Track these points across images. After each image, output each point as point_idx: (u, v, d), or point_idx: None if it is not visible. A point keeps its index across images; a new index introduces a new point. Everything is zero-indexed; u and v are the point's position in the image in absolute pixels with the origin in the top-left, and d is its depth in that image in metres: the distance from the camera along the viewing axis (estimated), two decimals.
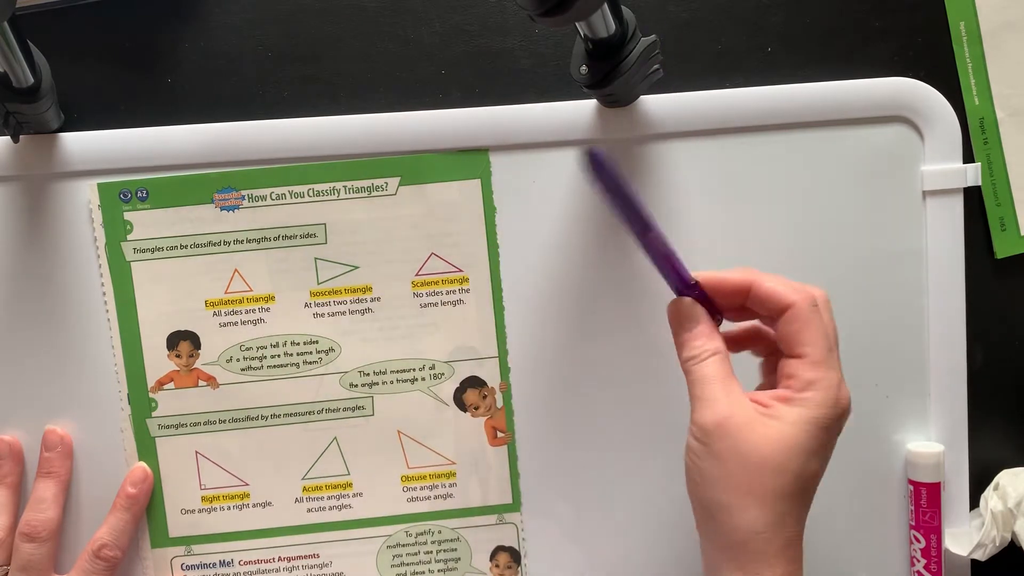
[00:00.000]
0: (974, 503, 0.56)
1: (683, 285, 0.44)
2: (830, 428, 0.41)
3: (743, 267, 0.44)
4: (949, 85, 0.54)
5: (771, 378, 0.46)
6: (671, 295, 0.54)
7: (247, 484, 0.54)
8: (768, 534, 0.40)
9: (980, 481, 0.56)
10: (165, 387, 0.53)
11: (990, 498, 0.54)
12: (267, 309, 0.53)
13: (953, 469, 0.55)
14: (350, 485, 0.54)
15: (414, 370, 0.54)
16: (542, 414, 0.54)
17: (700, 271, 0.45)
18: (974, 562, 0.55)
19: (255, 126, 0.52)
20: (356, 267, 0.53)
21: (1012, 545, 0.54)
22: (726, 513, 0.41)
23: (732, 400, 0.41)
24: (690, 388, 0.43)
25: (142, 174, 0.52)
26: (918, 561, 0.55)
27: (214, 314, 0.53)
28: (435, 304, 0.53)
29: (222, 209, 0.52)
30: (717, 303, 0.45)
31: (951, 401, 0.55)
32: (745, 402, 0.41)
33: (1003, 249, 0.55)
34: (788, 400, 0.41)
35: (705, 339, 0.43)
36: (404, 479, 0.54)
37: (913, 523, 0.55)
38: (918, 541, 0.55)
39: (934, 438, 0.55)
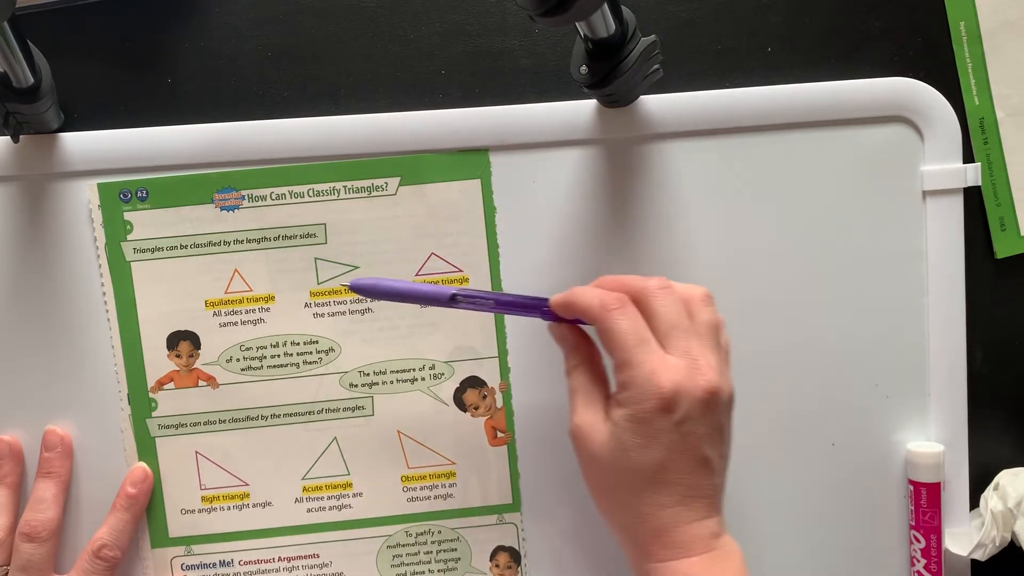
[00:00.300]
0: (974, 503, 0.56)
1: (539, 312, 0.48)
2: (649, 419, 0.42)
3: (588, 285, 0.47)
4: (949, 85, 0.54)
5: None
6: None
7: (247, 484, 0.54)
8: (631, 527, 0.44)
9: (980, 481, 0.56)
10: (165, 387, 0.53)
11: (990, 498, 0.54)
12: (267, 309, 0.53)
13: (953, 469, 0.55)
14: (350, 485, 0.54)
15: (414, 370, 0.54)
16: (542, 414, 0.54)
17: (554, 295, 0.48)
18: (974, 562, 0.55)
19: (255, 126, 0.52)
20: (356, 267, 0.53)
21: (1012, 545, 0.54)
22: (600, 511, 0.46)
23: (585, 409, 0.46)
24: None
25: (142, 174, 0.52)
26: (918, 561, 0.55)
27: (214, 314, 0.53)
28: None
29: (222, 209, 0.52)
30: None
31: (951, 401, 0.55)
32: (596, 410, 0.45)
33: (1003, 249, 0.55)
34: (615, 402, 0.44)
35: (570, 352, 0.48)
36: (404, 479, 0.54)
37: (913, 523, 0.55)
38: (918, 541, 0.55)
39: (934, 438, 0.55)
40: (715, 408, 0.43)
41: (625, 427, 0.43)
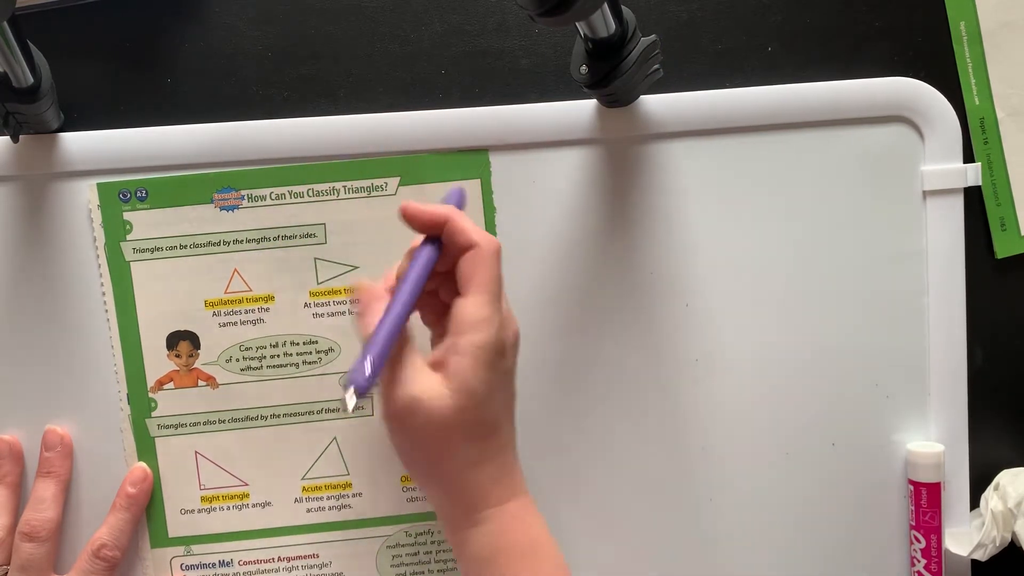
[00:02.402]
0: (974, 503, 0.56)
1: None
2: (492, 364, 0.43)
3: (448, 207, 0.46)
4: (949, 85, 0.54)
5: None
6: (670, 294, 0.55)
7: (247, 484, 0.54)
8: (465, 481, 0.45)
9: (980, 481, 0.56)
10: (165, 387, 0.53)
11: (990, 498, 0.54)
12: (267, 309, 0.53)
13: (953, 469, 0.55)
14: (350, 485, 0.54)
15: None
16: (542, 414, 0.54)
17: (407, 201, 0.45)
18: (974, 562, 0.55)
19: (255, 126, 0.52)
20: (356, 267, 0.53)
21: (1012, 545, 0.54)
22: (426, 478, 0.46)
23: (421, 377, 0.43)
24: None
25: (141, 174, 0.52)
26: (918, 561, 0.55)
27: (214, 314, 0.53)
28: None
29: (222, 209, 0.52)
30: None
31: (951, 401, 0.55)
32: (428, 374, 0.43)
33: (1003, 249, 0.55)
34: (454, 351, 0.43)
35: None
36: (404, 479, 0.54)
37: (913, 523, 0.55)
38: (918, 541, 0.54)
39: (934, 438, 0.55)
40: (515, 352, 0.46)
41: (472, 376, 0.42)
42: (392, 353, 0.43)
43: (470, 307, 0.43)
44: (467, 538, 0.44)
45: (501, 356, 0.44)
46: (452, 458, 0.43)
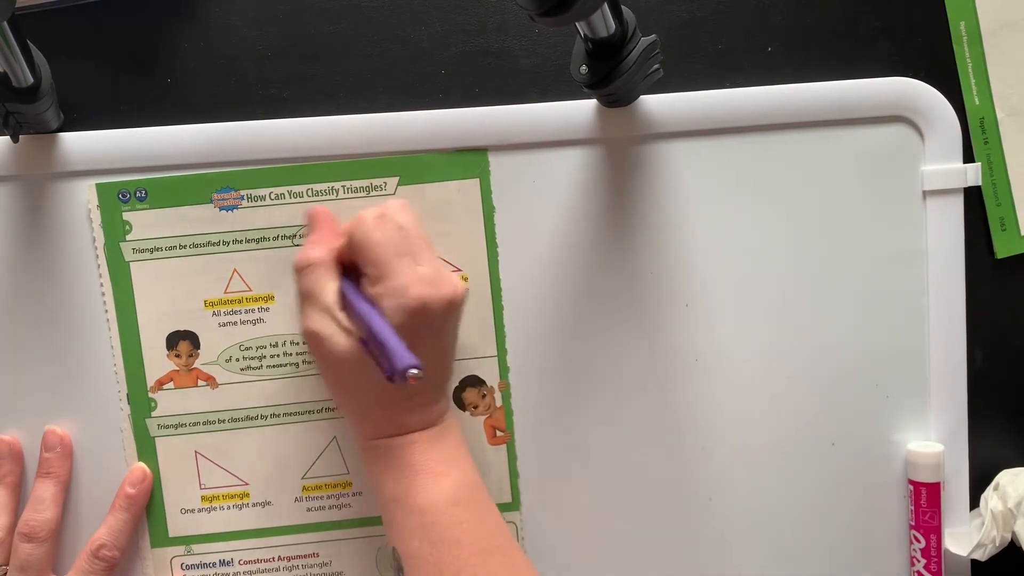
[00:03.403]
0: (974, 503, 0.56)
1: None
2: (401, 322, 0.45)
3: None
4: (949, 85, 0.54)
5: None
6: (669, 294, 0.55)
7: (247, 484, 0.54)
8: (366, 412, 0.48)
9: (980, 481, 0.56)
10: (165, 387, 0.53)
11: (990, 498, 0.54)
12: (266, 309, 0.53)
13: (953, 469, 0.55)
14: (349, 484, 0.54)
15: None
16: (541, 413, 0.54)
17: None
18: (974, 562, 0.55)
19: (254, 126, 0.52)
20: None
21: (1012, 545, 0.54)
22: (336, 400, 0.52)
23: (321, 316, 0.47)
24: None
25: (141, 174, 0.52)
26: (918, 561, 0.55)
27: (213, 314, 0.53)
28: None
29: (221, 209, 0.52)
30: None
31: (951, 401, 0.55)
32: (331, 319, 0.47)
33: (1003, 249, 0.55)
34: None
35: (321, 242, 0.49)
36: None
37: (913, 523, 0.55)
38: (918, 541, 0.54)
39: (934, 438, 0.55)
40: (456, 311, 0.48)
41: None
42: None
43: (368, 287, 0.46)
44: (385, 453, 0.47)
45: (418, 318, 0.45)
46: (348, 389, 0.48)
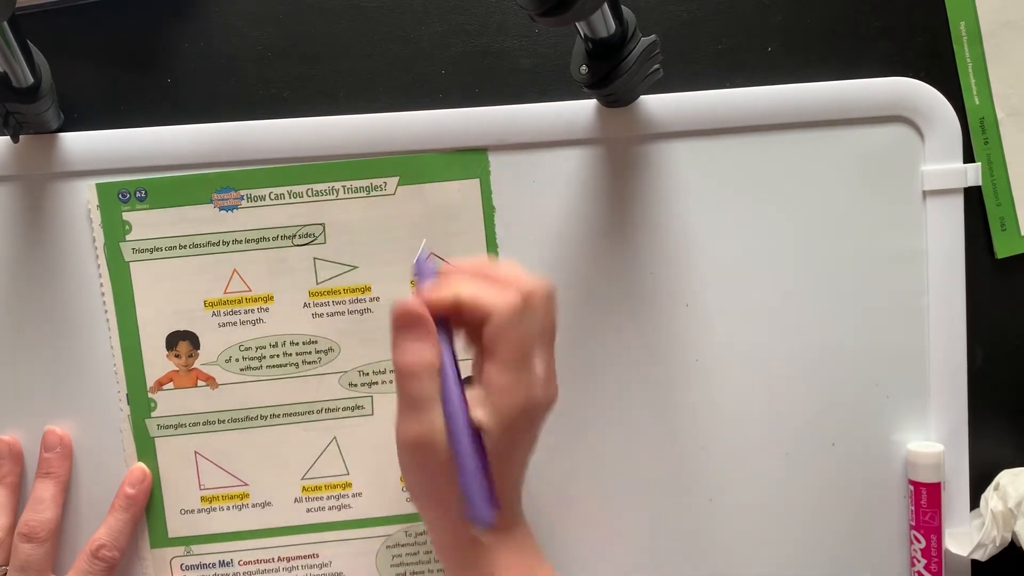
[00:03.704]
0: (974, 503, 0.56)
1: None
2: (512, 421, 0.42)
3: (457, 274, 0.44)
4: (949, 85, 0.54)
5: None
6: (669, 294, 0.55)
7: (246, 484, 0.54)
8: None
9: (980, 481, 0.56)
10: (164, 387, 0.53)
11: (990, 498, 0.54)
12: (266, 309, 0.53)
13: (953, 469, 0.55)
14: (349, 485, 0.54)
15: None
16: None
17: (406, 303, 0.43)
18: (974, 562, 0.55)
19: (254, 126, 0.52)
20: (355, 267, 0.53)
21: (1012, 545, 0.54)
22: (430, 509, 0.46)
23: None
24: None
25: (141, 174, 0.52)
26: (918, 561, 0.55)
27: (213, 314, 0.53)
28: None
29: (221, 209, 0.52)
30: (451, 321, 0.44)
31: (951, 401, 0.55)
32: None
33: (1003, 249, 0.55)
34: (482, 401, 0.42)
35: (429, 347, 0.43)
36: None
37: (913, 523, 0.55)
38: (918, 541, 0.54)
39: (934, 438, 0.55)
40: (549, 414, 0.45)
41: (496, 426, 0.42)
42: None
43: (494, 373, 0.42)
44: (462, 563, 0.44)
45: (527, 417, 0.43)
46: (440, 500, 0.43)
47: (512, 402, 0.42)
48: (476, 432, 0.42)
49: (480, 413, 0.42)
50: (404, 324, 0.42)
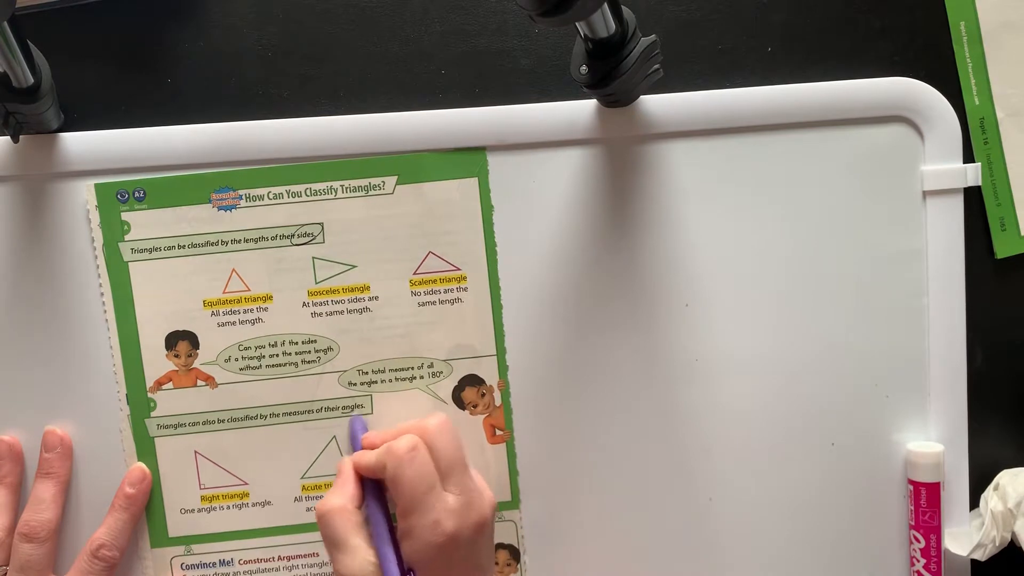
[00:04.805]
0: (974, 503, 0.56)
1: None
2: (432, 556, 0.46)
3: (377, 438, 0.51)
4: (949, 85, 0.54)
5: None
6: (669, 294, 0.55)
7: (246, 483, 0.54)
8: None
9: (980, 481, 0.56)
10: (164, 387, 0.53)
11: (990, 498, 0.54)
12: (265, 309, 0.53)
13: (953, 469, 0.55)
14: None
15: (412, 368, 0.54)
16: (540, 412, 0.54)
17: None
18: (974, 562, 0.55)
19: (254, 126, 0.52)
20: (354, 266, 0.53)
21: (1012, 545, 0.54)
22: None
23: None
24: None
25: (139, 174, 0.52)
26: (918, 561, 0.55)
27: (212, 314, 0.53)
28: (433, 303, 0.53)
29: (219, 209, 0.52)
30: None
31: (951, 401, 0.55)
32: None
33: (1003, 249, 0.55)
34: (399, 547, 0.47)
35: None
36: None
37: (913, 523, 0.55)
38: (918, 541, 0.54)
39: (934, 438, 0.55)
40: (486, 530, 0.48)
41: (415, 559, 0.47)
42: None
43: (400, 520, 0.47)
44: None
45: (444, 551, 0.46)
46: None
47: (419, 544, 0.46)
48: (410, 570, 0.47)
49: (403, 555, 0.47)
50: (336, 477, 0.50)
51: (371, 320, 0.53)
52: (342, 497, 0.48)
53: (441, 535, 0.46)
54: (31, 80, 0.47)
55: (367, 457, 0.49)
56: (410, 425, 0.49)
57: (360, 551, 0.46)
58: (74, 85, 0.52)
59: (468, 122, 0.53)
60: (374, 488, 0.50)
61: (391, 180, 0.53)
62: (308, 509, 0.54)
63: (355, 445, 0.52)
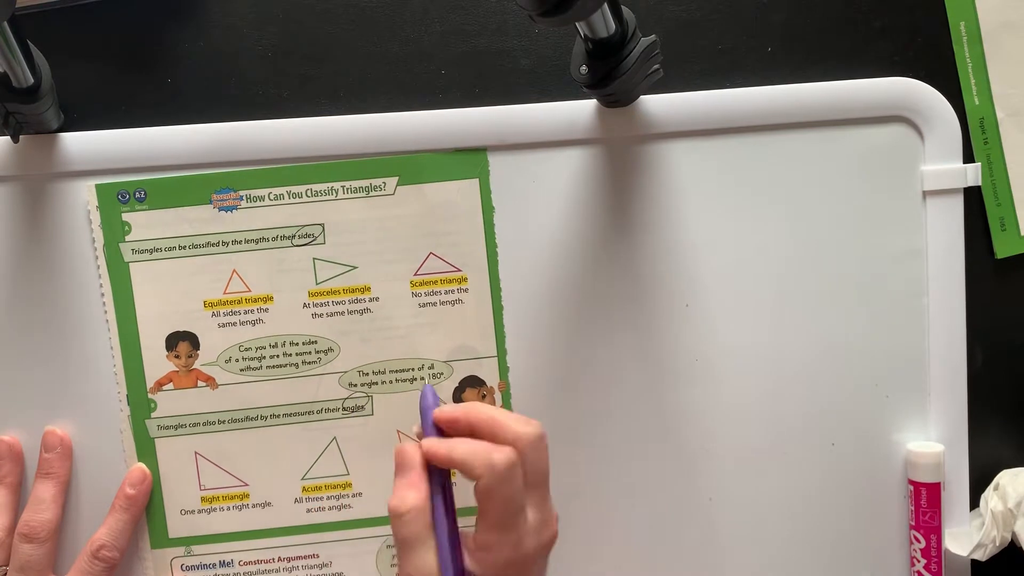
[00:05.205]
0: (974, 503, 0.56)
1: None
2: (505, 572, 0.45)
3: (458, 418, 0.46)
4: (949, 85, 0.54)
5: None
6: (670, 294, 0.55)
7: (246, 484, 0.54)
8: None
9: (980, 481, 0.56)
10: (164, 388, 0.53)
11: (990, 498, 0.54)
12: (266, 309, 0.53)
13: (953, 469, 0.55)
14: (349, 485, 0.54)
15: (413, 370, 0.54)
16: (541, 413, 0.54)
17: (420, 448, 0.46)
18: (974, 562, 0.55)
19: (254, 126, 0.52)
20: (354, 267, 0.53)
21: (1012, 545, 0.54)
22: None
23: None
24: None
25: (140, 174, 0.52)
26: (918, 561, 0.55)
27: (213, 315, 0.53)
28: (434, 304, 0.53)
29: (220, 209, 0.52)
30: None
31: (951, 401, 0.55)
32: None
33: (1003, 249, 0.55)
34: (471, 554, 0.45)
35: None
36: None
37: (913, 523, 0.55)
38: (918, 541, 0.54)
39: (934, 438, 0.55)
40: (552, 546, 0.47)
41: None
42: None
43: (482, 531, 0.45)
44: None
45: (515, 569, 0.45)
46: None
47: (497, 559, 0.44)
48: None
49: (471, 563, 0.45)
50: (398, 467, 0.46)
51: (372, 321, 0.53)
52: (417, 494, 0.45)
53: (521, 555, 0.45)
54: (31, 80, 0.47)
55: (457, 452, 0.45)
56: (502, 419, 0.45)
57: (432, 553, 0.44)
58: (74, 85, 0.52)
59: (468, 122, 0.53)
60: (440, 480, 0.46)
61: (392, 181, 0.53)
62: (308, 510, 0.54)
63: (426, 419, 0.47)
